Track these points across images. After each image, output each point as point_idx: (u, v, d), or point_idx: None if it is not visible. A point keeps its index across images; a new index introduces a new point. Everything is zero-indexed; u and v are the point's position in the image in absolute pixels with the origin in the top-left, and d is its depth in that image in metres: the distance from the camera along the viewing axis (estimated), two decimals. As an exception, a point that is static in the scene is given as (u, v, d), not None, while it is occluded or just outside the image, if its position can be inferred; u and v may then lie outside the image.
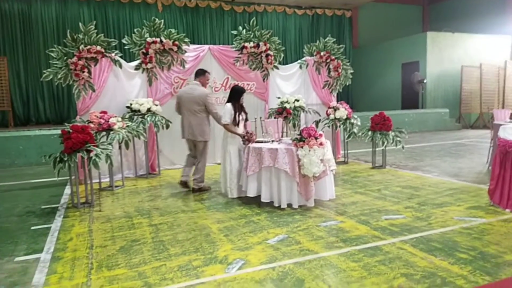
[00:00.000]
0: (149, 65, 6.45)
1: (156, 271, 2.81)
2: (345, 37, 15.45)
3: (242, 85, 7.19)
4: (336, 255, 2.99)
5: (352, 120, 6.98)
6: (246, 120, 4.92)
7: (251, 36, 7.10)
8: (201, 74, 5.24)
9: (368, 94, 15.71)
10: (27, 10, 10.85)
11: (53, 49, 5.77)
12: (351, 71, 7.74)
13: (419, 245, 3.14)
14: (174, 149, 6.95)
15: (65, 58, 5.71)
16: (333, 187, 4.52)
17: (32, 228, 3.92)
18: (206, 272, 2.77)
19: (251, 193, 4.40)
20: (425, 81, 13.15)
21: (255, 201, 4.47)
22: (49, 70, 5.70)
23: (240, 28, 7.20)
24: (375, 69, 15.30)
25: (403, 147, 6.42)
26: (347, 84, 7.86)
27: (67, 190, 5.42)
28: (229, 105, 4.81)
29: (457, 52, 13.66)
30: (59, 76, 5.68)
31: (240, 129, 4.77)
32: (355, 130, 6.92)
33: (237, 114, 4.77)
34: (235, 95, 4.84)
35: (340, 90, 7.91)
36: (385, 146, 6.42)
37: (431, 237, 3.31)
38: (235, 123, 4.76)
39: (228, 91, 7.19)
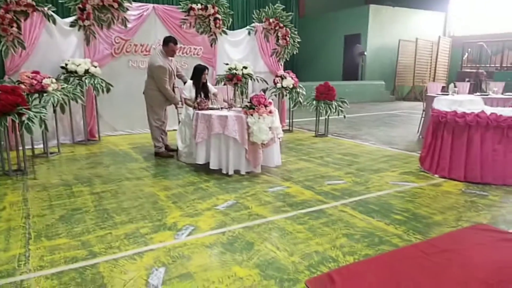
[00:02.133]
0: (87, 22, 5.94)
1: (101, 239, 2.72)
2: (292, 6, 15.37)
3: (189, 49, 6.99)
4: (283, 219, 3.11)
5: (298, 90, 7.11)
6: (207, 97, 4.87)
7: (199, -3, 6.78)
8: (164, 43, 4.92)
9: (311, 65, 16.01)
10: None
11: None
12: (299, 39, 7.79)
13: (359, 207, 3.37)
14: (115, 114, 6.62)
15: (-13, 9, 5.04)
16: (279, 154, 4.63)
17: (-44, 198, 3.56)
18: (155, 239, 2.74)
19: (200, 160, 4.37)
20: (365, 53, 13.68)
21: (203, 169, 4.45)
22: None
23: (187, -12, 6.84)
24: (319, 40, 15.55)
25: (344, 117, 6.71)
26: (294, 53, 7.92)
27: (-5, 157, 4.96)
28: (190, 82, 4.95)
29: (397, 26, 14.30)
30: (-19, 30, 5.03)
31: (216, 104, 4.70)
32: (301, 99, 7.07)
33: (200, 92, 4.86)
34: (197, 74, 4.93)
35: (287, 59, 7.96)
36: (328, 115, 6.67)
37: (369, 200, 3.57)
38: (194, 100, 4.77)
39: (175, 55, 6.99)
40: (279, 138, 4.51)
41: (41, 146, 5.22)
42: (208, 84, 5.10)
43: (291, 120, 7.52)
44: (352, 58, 14.24)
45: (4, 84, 4.31)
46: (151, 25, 6.68)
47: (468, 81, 8.10)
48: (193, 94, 4.86)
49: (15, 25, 5.25)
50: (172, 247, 2.61)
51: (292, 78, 7.12)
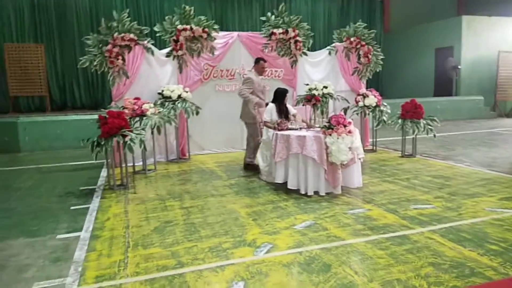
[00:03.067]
0: (180, 52, 6.56)
1: (188, 251, 2.96)
2: (376, 22, 15.00)
3: (270, 72, 7.26)
4: (363, 243, 3.03)
5: (381, 108, 6.88)
6: (287, 118, 5.01)
7: (280, 22, 7.05)
8: (256, 62, 5.76)
9: (399, 81, 15.27)
10: (62, -2, 11.20)
11: (89, 36, 5.97)
12: (382, 57, 7.58)
13: (448, 235, 3.12)
14: (204, 135, 7.12)
15: (100, 45, 5.91)
16: (361, 175, 4.52)
17: (72, 208, 4.17)
18: (236, 254, 2.88)
19: (279, 179, 4.47)
20: (459, 67, 12.65)
21: (282, 188, 4.54)
22: (85, 57, 5.92)
23: (269, 14, 7.17)
24: (407, 55, 14.81)
25: (434, 136, 6.27)
26: (377, 70, 7.71)
27: (104, 173, 5.69)
28: (271, 105, 5.13)
29: (494, 37, 13.02)
30: (95, 63, 5.90)
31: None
32: (385, 118, 6.82)
33: (281, 114, 5.04)
34: (279, 97, 5.16)
35: (370, 77, 7.77)
36: (416, 135, 6.30)
37: (461, 227, 3.28)
38: (275, 122, 4.94)
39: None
40: (360, 159, 4.41)
41: (141, 163, 5.85)
42: (288, 105, 5.24)
43: (375, 140, 7.27)
44: (444, 72, 13.26)
45: (111, 110, 4.98)
46: (236, 51, 7.12)
47: None
48: (274, 117, 4.99)
49: (120, 57, 6.04)
50: (251, 263, 2.72)
51: (375, 96, 6.92)
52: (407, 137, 6.50)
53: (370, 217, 3.62)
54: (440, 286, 2.34)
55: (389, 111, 6.93)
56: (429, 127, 6.17)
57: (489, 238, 3.04)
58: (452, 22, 13.17)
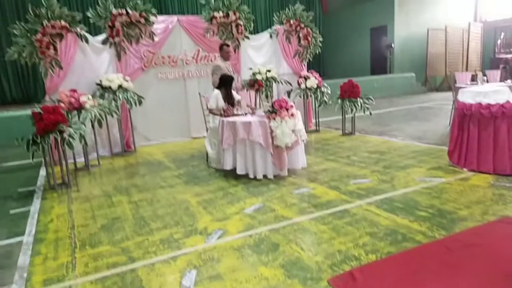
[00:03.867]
0: (117, 39, 6.29)
1: (139, 245, 2.96)
2: (315, 4, 15.35)
3: (214, 57, 7.21)
4: (308, 220, 3.22)
5: (322, 89, 7.16)
6: (233, 105, 5.02)
7: (220, 5, 6.98)
8: (220, 49, 5.93)
9: (339, 61, 15.87)
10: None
11: (15, 26, 5.51)
12: (321, 39, 7.82)
13: (383, 205, 3.42)
14: (149, 125, 6.96)
15: (28, 35, 5.48)
16: (305, 156, 4.73)
17: (11, 212, 3.94)
18: (187, 243, 2.94)
19: (228, 166, 4.54)
20: (393, 45, 13.40)
21: (231, 174, 4.63)
22: (13, 48, 5.46)
23: (209, -4, 7.05)
24: (345, 35, 15.39)
25: (370, 113, 6.68)
26: (317, 52, 7.96)
27: (43, 172, 5.39)
28: (216, 92, 5.08)
29: (424, 16, 13.91)
30: (24, 55, 5.47)
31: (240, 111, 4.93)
32: (326, 99, 7.11)
33: (227, 101, 5.03)
34: (225, 84, 5.10)
35: (311, 59, 8.01)
36: (354, 113, 6.66)
37: (394, 198, 3.60)
38: (220, 109, 4.94)
39: (200, 64, 7.26)
40: (303, 140, 4.61)
41: (82, 159, 5.60)
42: (233, 91, 5.28)
43: (318, 120, 7.57)
44: (379, 51, 14.00)
45: (45, 104, 4.69)
46: (177, 36, 6.97)
47: (503, 67, 7.80)
48: (220, 104, 4.99)
49: (51, 47, 5.65)
50: (203, 251, 2.80)
51: (316, 78, 7.17)
52: (346, 116, 6.85)
53: (314, 195, 3.83)
54: (376, 253, 2.58)
55: (329, 91, 7.23)
56: (366, 105, 6.55)
57: (419, 205, 3.38)
58: (385, 2, 13.83)
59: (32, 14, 5.50)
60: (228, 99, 5.08)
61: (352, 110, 6.54)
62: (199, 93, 5.79)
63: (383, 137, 6.44)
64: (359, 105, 6.50)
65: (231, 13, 7.04)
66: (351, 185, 4.05)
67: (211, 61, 7.27)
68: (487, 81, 6.65)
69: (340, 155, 5.44)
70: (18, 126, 6.98)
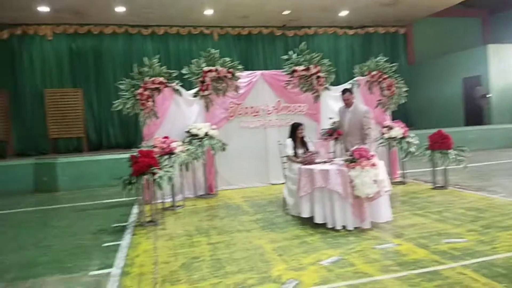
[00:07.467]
0: (206, 92, 6.87)
1: (214, 287, 2.98)
2: (400, 54, 15.08)
3: (293, 107, 7.42)
4: (392, 279, 2.96)
5: (408, 139, 6.80)
6: (307, 149, 5.18)
7: (302, 60, 7.29)
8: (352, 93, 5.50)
9: (428, 111, 15.04)
10: (98, 45, 12.07)
11: (122, 81, 6.40)
12: (406, 89, 7.60)
13: (482, 270, 3.00)
14: (230, 170, 7.25)
15: (132, 89, 6.31)
16: (389, 209, 4.44)
17: (104, 245, 4.32)
18: (261, 290, 2.88)
19: (305, 213, 4.47)
20: (488, 95, 12.38)
21: (308, 222, 4.52)
22: (118, 100, 6.32)
23: (291, 52, 7.43)
24: (434, 85, 14.67)
25: (465, 166, 6.09)
26: (402, 102, 7.71)
27: (135, 210, 5.87)
28: (288, 140, 5.35)
29: (521, 64, 12.74)
30: (128, 106, 6.28)
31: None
32: (412, 149, 6.72)
33: (297, 147, 5.21)
34: (291, 131, 5.37)
35: (396, 109, 7.77)
36: (446, 166, 6.16)
37: (495, 262, 3.14)
38: (296, 155, 5.13)
39: (281, 113, 7.52)
40: (386, 192, 4.36)
41: (170, 200, 6.00)
42: (307, 140, 5.35)
43: (404, 171, 7.14)
44: (473, 101, 13.00)
45: (142, 149, 5.23)
46: (259, 89, 7.37)
47: None
48: (291, 151, 5.16)
49: (150, 99, 6.40)
50: (276, 300, 2.71)
51: (400, 127, 6.88)
52: (437, 168, 6.35)
53: (400, 252, 3.53)
54: (473, 325, 2.24)
55: (417, 142, 6.84)
56: (459, 157, 6.02)
57: (527, 273, 2.90)
58: (478, 52, 13.06)
59: (136, 72, 6.36)
60: (302, 146, 5.18)
61: (443, 162, 6.06)
62: (278, 141, 5.93)
63: (482, 193, 5.78)
64: (451, 157, 6.00)
65: (311, 66, 7.28)
66: (443, 244, 3.65)
67: (292, 111, 7.48)
68: None
69: (430, 210, 4.99)
70: (119, 167, 7.80)
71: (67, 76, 11.68)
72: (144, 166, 4.72)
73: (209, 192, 6.84)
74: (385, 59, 7.52)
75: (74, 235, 4.80)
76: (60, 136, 11.00)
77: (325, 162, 4.71)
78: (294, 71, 7.27)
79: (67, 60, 11.69)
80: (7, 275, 3.53)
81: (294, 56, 7.33)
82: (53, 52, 11.56)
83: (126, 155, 7.95)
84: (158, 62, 6.53)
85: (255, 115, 7.35)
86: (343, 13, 12.42)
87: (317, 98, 7.49)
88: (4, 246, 4.52)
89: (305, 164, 4.69)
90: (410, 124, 7.03)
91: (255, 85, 7.30)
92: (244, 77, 7.23)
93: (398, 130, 6.73)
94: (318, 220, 4.35)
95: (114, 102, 6.44)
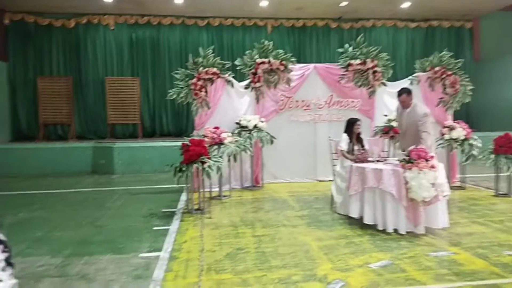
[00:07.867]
0: (258, 84, 6.86)
1: (258, 280, 2.97)
2: (465, 51, 14.02)
3: (346, 102, 7.19)
4: (447, 289, 2.76)
5: (471, 141, 6.33)
6: (362, 146, 5.01)
7: (358, 53, 7.02)
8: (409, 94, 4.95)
9: (491, 112, 13.90)
10: (156, 36, 12.49)
11: (177, 71, 6.57)
12: (471, 87, 7.05)
13: (553, 290, 2.71)
14: (277, 164, 7.20)
15: (186, 79, 6.45)
16: (447, 215, 4.15)
17: (154, 228, 4.48)
18: (306, 288, 2.83)
19: (354, 213, 4.32)
20: None
21: (357, 222, 4.36)
22: (173, 90, 6.50)
23: (346, 45, 7.18)
24: (501, 84, 13.51)
25: (535, 175, 5.55)
26: (466, 101, 7.18)
27: (183, 197, 6.03)
28: (344, 135, 5.17)
29: None
30: (181, 95, 6.44)
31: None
32: (475, 152, 6.25)
33: (352, 143, 5.04)
34: (348, 126, 5.18)
35: (458, 108, 7.25)
36: (511, 172, 5.65)
37: None
38: (349, 152, 4.97)
39: (332, 108, 7.32)
40: (445, 196, 4.08)
41: (217, 189, 6.10)
42: (363, 136, 5.15)
43: (463, 176, 6.67)
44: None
45: (193, 138, 5.34)
46: (312, 82, 7.20)
47: None
48: (345, 146, 5.01)
49: (203, 90, 6.51)
50: (321, 300, 2.64)
51: (463, 128, 6.41)
52: (501, 174, 5.85)
53: (456, 261, 3.29)
54: None
55: (480, 145, 6.34)
56: (529, 164, 5.49)
57: None
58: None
59: (191, 62, 6.48)
60: (356, 142, 5.00)
61: (508, 168, 5.57)
62: (329, 137, 5.77)
63: (552, 205, 5.25)
64: (519, 163, 5.49)
65: (368, 60, 6.99)
66: (505, 256, 3.35)
67: (345, 106, 7.25)
68: None
69: (491, 218, 4.61)
70: (171, 154, 8.08)
71: (127, 65, 12.23)
72: (194, 155, 4.81)
73: (255, 184, 6.86)
74: (449, 55, 7.02)
75: (127, 217, 5.04)
76: (118, 122, 11.57)
77: (378, 161, 4.50)
78: (349, 65, 7.02)
79: (127, 49, 12.22)
80: (65, 250, 3.77)
81: (350, 49, 7.07)
82: (114, 41, 12.13)
83: (177, 143, 8.22)
84: (212, 53, 6.61)
85: (305, 109, 7.22)
86: (405, 4, 11.77)
87: (372, 93, 7.19)
88: (63, 223, 4.84)
89: (357, 162, 4.52)
90: (471, 125, 6.50)
91: (307, 78, 7.15)
92: (297, 69, 7.11)
93: (460, 131, 6.28)
94: (367, 220, 4.18)
95: (169, 91, 6.64)
